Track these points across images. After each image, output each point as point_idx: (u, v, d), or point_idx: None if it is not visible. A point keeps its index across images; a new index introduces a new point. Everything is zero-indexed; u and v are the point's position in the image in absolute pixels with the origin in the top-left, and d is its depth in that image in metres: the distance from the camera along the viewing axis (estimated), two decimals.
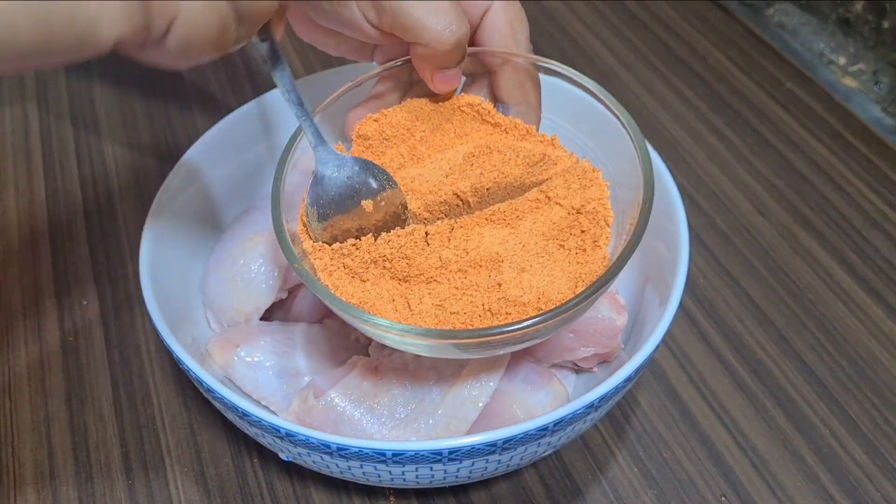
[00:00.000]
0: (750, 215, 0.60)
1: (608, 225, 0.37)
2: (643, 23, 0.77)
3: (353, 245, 0.36)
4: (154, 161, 0.64)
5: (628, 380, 0.38)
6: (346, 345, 0.46)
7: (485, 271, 0.36)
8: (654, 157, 0.48)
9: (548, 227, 0.37)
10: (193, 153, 0.49)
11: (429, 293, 0.35)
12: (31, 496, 0.45)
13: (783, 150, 0.65)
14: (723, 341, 0.52)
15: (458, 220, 0.37)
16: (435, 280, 0.36)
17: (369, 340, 0.47)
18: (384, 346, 0.44)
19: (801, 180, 0.62)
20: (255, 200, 0.52)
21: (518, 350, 0.39)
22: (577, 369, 0.47)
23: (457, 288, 0.35)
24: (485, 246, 0.36)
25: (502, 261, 0.35)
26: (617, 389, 0.37)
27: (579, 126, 0.44)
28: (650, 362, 0.50)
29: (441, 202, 0.39)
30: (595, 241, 0.36)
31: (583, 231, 0.36)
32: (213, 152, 0.50)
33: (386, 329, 0.34)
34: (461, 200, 0.39)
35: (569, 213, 0.37)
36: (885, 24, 0.68)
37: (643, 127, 0.66)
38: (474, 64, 0.42)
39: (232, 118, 0.51)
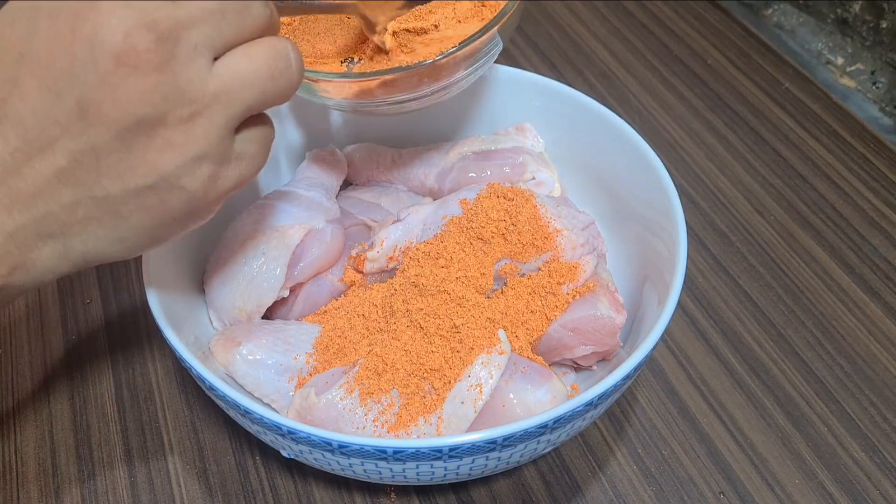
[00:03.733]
0: (748, 214, 0.60)
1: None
2: (642, 23, 0.78)
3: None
4: None
5: (627, 378, 0.38)
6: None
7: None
8: (653, 156, 0.48)
9: (460, 14, 0.46)
10: None
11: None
12: (35, 494, 0.46)
13: (781, 150, 0.65)
14: (721, 340, 0.52)
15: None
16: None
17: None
18: None
19: (799, 179, 0.63)
20: (257, 199, 0.52)
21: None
22: (577, 367, 0.48)
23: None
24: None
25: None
26: (616, 387, 0.38)
27: None
28: (649, 360, 0.50)
29: None
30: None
31: (482, 20, 0.45)
32: None
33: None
34: None
35: (474, 5, 0.46)
36: (884, 24, 0.69)
37: (643, 127, 0.67)
38: None
39: None
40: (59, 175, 0.31)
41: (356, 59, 0.47)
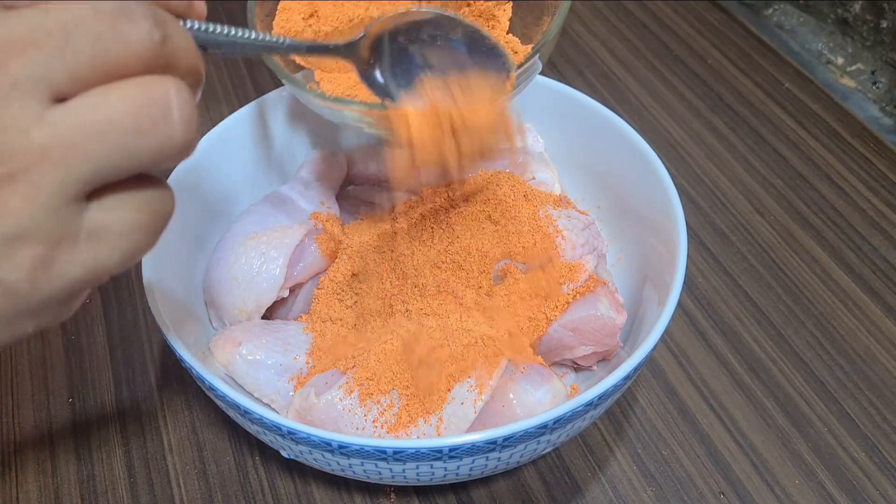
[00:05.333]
0: (748, 214, 0.60)
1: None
2: (642, 23, 0.78)
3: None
4: None
5: (627, 378, 0.38)
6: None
7: None
8: (653, 156, 0.48)
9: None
10: (195, 153, 0.49)
11: None
12: (34, 493, 0.46)
13: (781, 150, 0.65)
14: (721, 340, 0.52)
15: None
16: None
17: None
18: None
19: (799, 179, 0.63)
20: (257, 199, 0.52)
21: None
22: (577, 367, 0.48)
23: None
24: None
25: None
26: (616, 387, 0.38)
27: None
28: (649, 361, 0.50)
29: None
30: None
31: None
32: (214, 153, 0.50)
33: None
34: None
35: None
36: (884, 24, 0.69)
37: (643, 127, 0.67)
38: None
39: (234, 119, 0.51)
40: None
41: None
